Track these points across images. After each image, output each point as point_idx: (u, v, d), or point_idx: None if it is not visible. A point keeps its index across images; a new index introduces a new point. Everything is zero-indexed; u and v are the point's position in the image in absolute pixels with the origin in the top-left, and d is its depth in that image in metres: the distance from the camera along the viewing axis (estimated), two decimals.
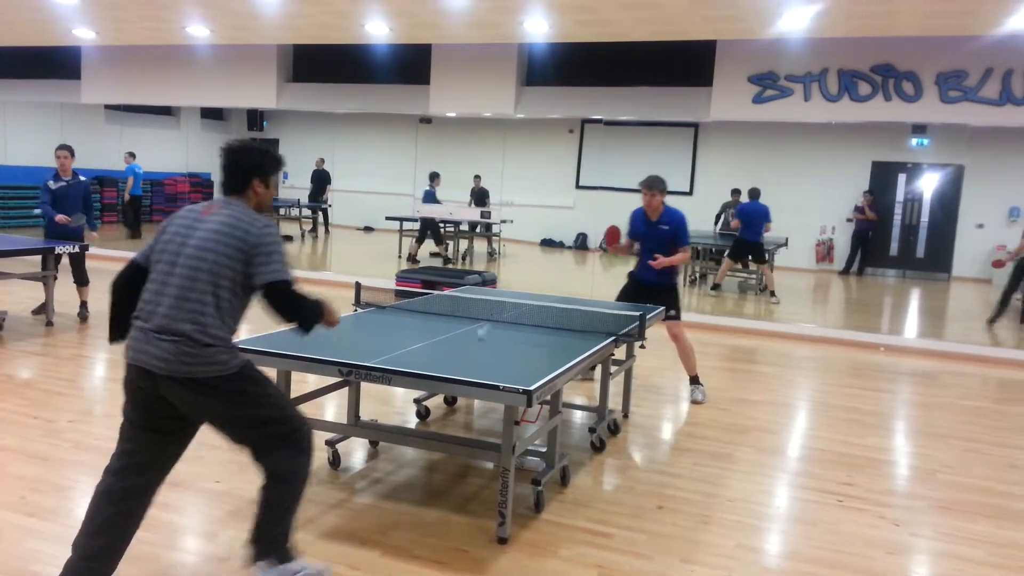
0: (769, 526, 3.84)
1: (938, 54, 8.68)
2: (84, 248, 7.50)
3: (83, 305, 7.79)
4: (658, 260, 5.70)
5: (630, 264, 6.15)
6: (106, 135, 15.66)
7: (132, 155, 14.52)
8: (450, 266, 12.96)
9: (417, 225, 13.82)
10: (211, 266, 2.73)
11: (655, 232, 5.80)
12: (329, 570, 2.97)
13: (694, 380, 6.09)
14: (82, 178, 7.65)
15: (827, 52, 9.09)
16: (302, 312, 2.84)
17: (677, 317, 5.88)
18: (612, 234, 5.94)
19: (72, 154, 7.59)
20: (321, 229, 16.99)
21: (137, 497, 2.80)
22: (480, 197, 15.16)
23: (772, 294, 11.00)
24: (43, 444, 4.33)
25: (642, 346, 5.15)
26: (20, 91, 13.75)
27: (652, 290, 5.86)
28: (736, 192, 13.44)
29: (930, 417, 5.98)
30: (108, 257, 12.01)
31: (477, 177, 15.36)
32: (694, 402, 5.96)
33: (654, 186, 5.70)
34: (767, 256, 11.16)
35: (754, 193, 11.01)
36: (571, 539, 3.54)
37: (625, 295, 6.02)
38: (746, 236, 10.82)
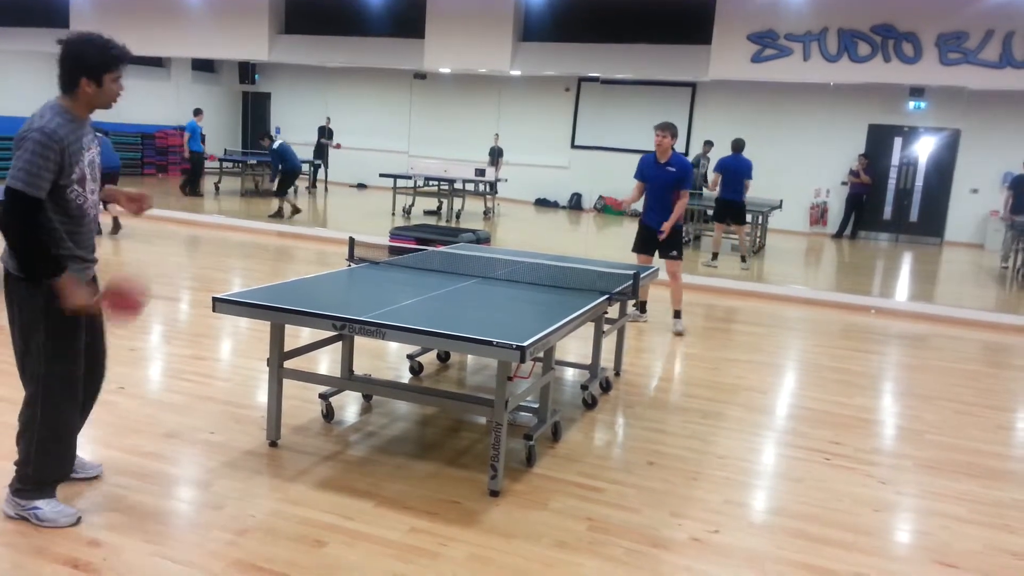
0: (757, 483, 3.90)
1: (939, 14, 8.58)
2: None
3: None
4: (664, 228, 6.39)
5: (624, 224, 6.33)
6: None
7: (197, 112, 14.33)
8: (443, 223, 12.90)
9: (411, 183, 13.73)
10: None
11: (661, 173, 6.41)
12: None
13: (677, 314, 6.79)
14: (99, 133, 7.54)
15: (828, 11, 8.99)
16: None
17: (679, 257, 6.64)
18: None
19: None
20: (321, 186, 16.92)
21: None
22: (496, 156, 15.09)
23: (743, 259, 10.37)
24: None
25: (644, 320, 5.26)
26: (10, 39, 13.50)
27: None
28: (708, 144, 13.12)
29: (919, 379, 6.04)
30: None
31: (496, 135, 15.28)
32: (677, 334, 6.60)
33: (668, 128, 6.39)
34: (747, 218, 10.38)
35: (737, 145, 9.95)
36: (562, 492, 3.58)
37: (640, 244, 6.65)
38: (725, 195, 9.93)
